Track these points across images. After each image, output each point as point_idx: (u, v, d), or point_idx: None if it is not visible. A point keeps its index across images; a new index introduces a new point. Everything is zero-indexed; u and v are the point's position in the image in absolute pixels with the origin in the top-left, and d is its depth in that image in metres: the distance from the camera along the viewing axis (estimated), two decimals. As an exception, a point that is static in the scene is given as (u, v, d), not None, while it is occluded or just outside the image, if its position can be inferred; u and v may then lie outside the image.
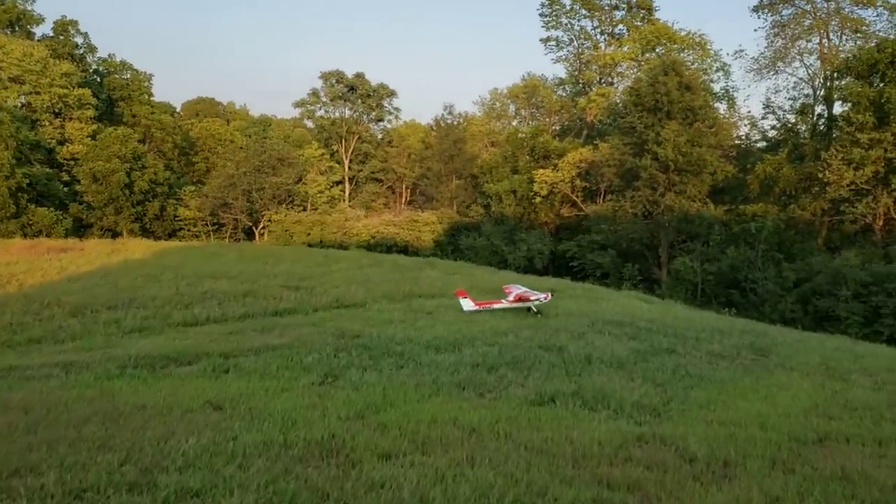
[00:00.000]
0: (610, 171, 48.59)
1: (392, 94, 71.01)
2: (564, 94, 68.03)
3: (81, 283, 20.97)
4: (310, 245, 53.01)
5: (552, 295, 18.72)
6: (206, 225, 60.47)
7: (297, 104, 72.42)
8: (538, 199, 52.18)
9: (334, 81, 69.77)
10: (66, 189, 56.65)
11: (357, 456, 7.07)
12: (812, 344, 17.00)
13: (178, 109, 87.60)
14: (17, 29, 65.30)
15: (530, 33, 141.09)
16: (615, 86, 62.98)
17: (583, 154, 51.60)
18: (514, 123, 68.41)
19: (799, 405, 10.52)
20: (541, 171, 51.58)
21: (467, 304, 17.61)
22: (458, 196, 61.72)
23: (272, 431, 7.60)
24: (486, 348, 12.94)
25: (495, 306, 18.03)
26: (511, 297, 18.14)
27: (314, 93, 71.10)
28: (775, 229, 41.67)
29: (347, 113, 70.97)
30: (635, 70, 60.09)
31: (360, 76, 69.53)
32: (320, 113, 72.35)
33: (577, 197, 52.92)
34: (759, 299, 38.61)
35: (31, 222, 50.57)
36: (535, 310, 17.62)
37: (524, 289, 19.19)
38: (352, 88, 69.41)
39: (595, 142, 54.86)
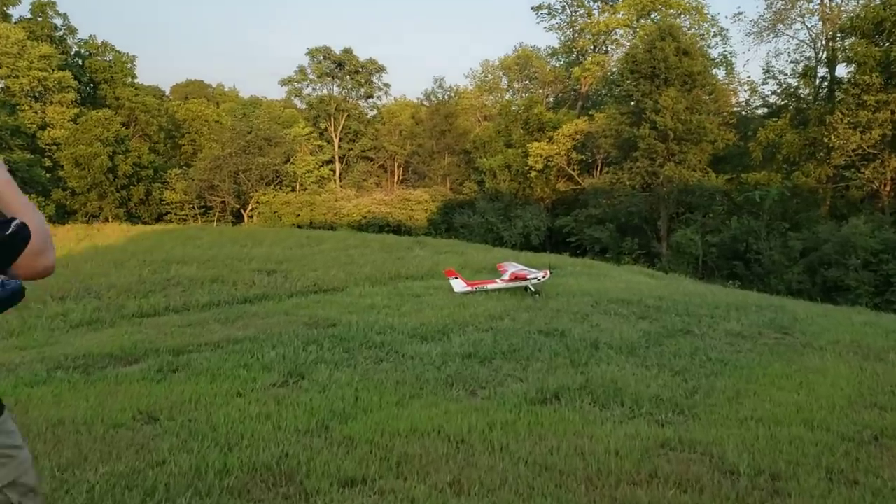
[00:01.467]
0: (607, 141, 47.05)
1: (381, 69, 68.82)
2: (558, 65, 66.18)
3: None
4: (299, 226, 51.57)
5: (551, 272, 17.17)
6: (193, 208, 58.96)
7: (284, 82, 70.25)
8: (533, 174, 50.63)
9: (321, 58, 67.55)
10: (48, 175, 55.09)
11: (313, 483, 5.57)
12: (837, 318, 15.52)
13: (167, 93, 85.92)
14: (-9, 12, 63.28)
15: (521, 2, 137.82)
16: (610, 54, 61.19)
17: (578, 125, 50.00)
18: (507, 96, 66.63)
19: (842, 394, 9.03)
20: (535, 144, 49.99)
21: (458, 285, 16.04)
22: (450, 173, 60.09)
23: (210, 452, 6.07)
24: (479, 335, 11.40)
25: (489, 287, 16.43)
26: (506, 276, 16.54)
27: (301, 70, 68.98)
28: (780, 197, 40.21)
29: (336, 90, 68.92)
30: (631, 37, 58.28)
31: (347, 52, 67.31)
32: (308, 91, 70.33)
33: (574, 170, 51.38)
34: (765, 270, 37.31)
35: (12, 210, 48.98)
36: (532, 289, 16.03)
37: (521, 266, 17.63)
38: (339, 65, 67.21)
39: (590, 112, 53.27)
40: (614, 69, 56.20)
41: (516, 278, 16.25)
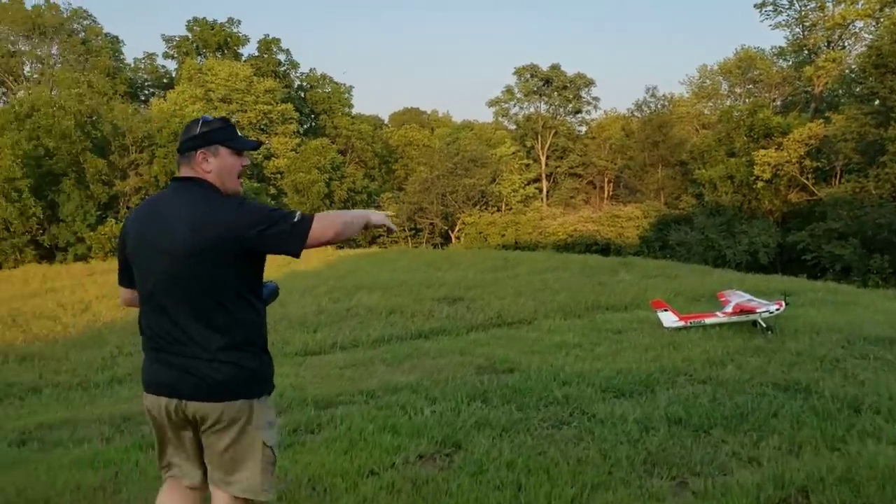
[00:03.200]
0: (847, 146, 41.68)
1: (590, 83, 66.82)
2: (786, 65, 60.33)
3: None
4: (504, 247, 50.56)
5: (787, 303, 13.98)
6: (404, 230, 60.08)
7: (491, 103, 70.26)
8: (760, 184, 45.94)
9: (528, 76, 66.92)
10: (273, 202, 58.42)
11: None
12: None
13: (385, 121, 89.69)
14: (225, 52, 68.76)
15: (741, 1, 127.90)
16: (848, 49, 54.64)
17: (812, 129, 44.71)
18: (727, 103, 61.73)
19: None
20: (762, 151, 45.33)
21: (669, 319, 13.43)
22: (665, 187, 56.51)
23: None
24: (694, 389, 8.92)
25: (707, 321, 13.59)
26: (729, 309, 13.62)
27: (508, 90, 68.69)
28: None
29: (543, 108, 67.79)
30: (873, 28, 51.67)
31: (555, 68, 66.05)
32: (514, 110, 69.80)
33: (808, 179, 46.07)
34: None
35: (244, 236, 52.59)
36: (763, 325, 13.06)
37: (747, 296, 14.55)
38: (547, 81, 66.10)
39: (826, 115, 47.66)
40: (853, 65, 50.11)
41: (742, 311, 13.32)
